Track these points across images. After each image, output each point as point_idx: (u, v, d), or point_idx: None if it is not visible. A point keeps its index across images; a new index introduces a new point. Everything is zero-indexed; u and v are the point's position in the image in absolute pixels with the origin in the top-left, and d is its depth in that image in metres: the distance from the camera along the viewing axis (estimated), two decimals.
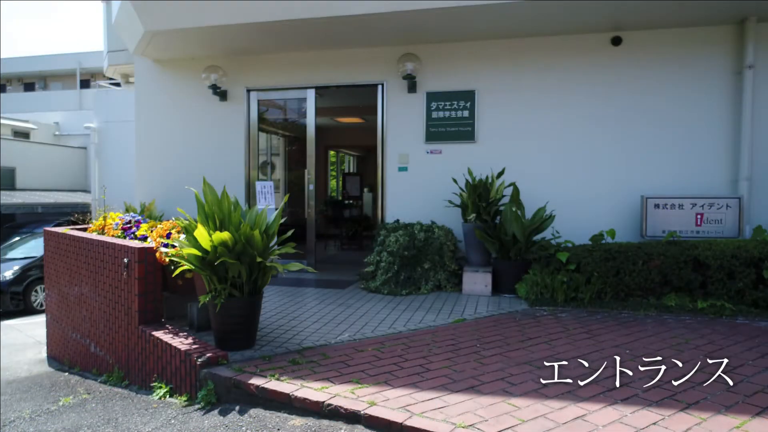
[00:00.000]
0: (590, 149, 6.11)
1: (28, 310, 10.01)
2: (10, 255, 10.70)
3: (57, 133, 18.42)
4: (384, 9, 5.49)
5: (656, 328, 4.23)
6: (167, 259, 3.94)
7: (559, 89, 6.17)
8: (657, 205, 5.67)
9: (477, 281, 5.59)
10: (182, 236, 3.82)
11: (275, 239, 3.85)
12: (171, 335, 3.79)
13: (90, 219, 8.40)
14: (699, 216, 5.57)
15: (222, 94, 7.08)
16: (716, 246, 4.88)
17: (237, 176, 7.23)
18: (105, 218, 5.74)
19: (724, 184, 5.77)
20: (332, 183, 13.97)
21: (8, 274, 9.89)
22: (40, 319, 8.13)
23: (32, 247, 10.83)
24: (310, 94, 7.07)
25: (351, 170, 14.77)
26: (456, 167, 6.36)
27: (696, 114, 5.84)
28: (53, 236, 5.80)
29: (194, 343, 3.61)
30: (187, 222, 3.66)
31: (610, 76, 6.05)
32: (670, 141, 5.90)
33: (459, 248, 6.15)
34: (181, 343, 3.62)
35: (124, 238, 5.00)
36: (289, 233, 4.00)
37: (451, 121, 6.47)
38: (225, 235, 3.37)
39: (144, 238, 4.73)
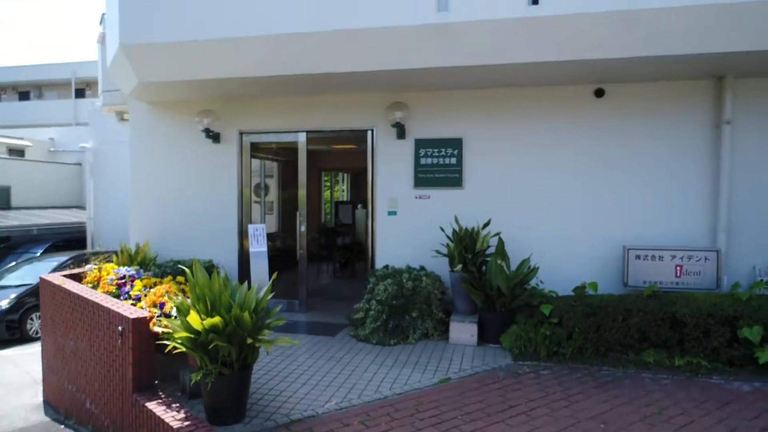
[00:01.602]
0: (574, 198, 6.27)
1: (24, 338, 10.10)
2: (6, 282, 10.78)
3: (52, 149, 18.51)
4: (371, 68, 5.64)
5: (633, 391, 4.39)
6: (161, 331, 4.08)
7: (545, 138, 6.33)
8: (638, 256, 5.83)
9: (463, 331, 5.75)
10: (174, 311, 3.96)
11: (265, 310, 3.99)
12: (164, 407, 3.93)
13: (87, 258, 8.52)
14: (678, 267, 5.74)
15: (215, 137, 7.21)
16: (693, 302, 5.05)
17: (230, 215, 7.36)
18: (100, 270, 5.88)
19: (704, 234, 5.94)
20: (327, 202, 14.09)
21: (4, 303, 9.97)
22: (36, 349, 8.26)
23: (28, 273, 10.91)
24: (302, 137, 7.21)
25: (345, 185, 14.89)
26: (444, 212, 6.52)
27: (676, 166, 6.01)
28: (50, 286, 5.92)
29: (186, 419, 3.74)
30: (179, 301, 3.80)
31: (594, 127, 6.21)
32: (652, 192, 6.06)
33: (447, 294, 6.30)
34: (173, 418, 3.75)
35: (118, 296, 5.13)
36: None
37: (439, 167, 6.62)
38: (216, 320, 3.51)
39: (138, 299, 4.87)
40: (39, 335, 7.95)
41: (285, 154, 8.61)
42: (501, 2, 5.00)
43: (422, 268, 6.46)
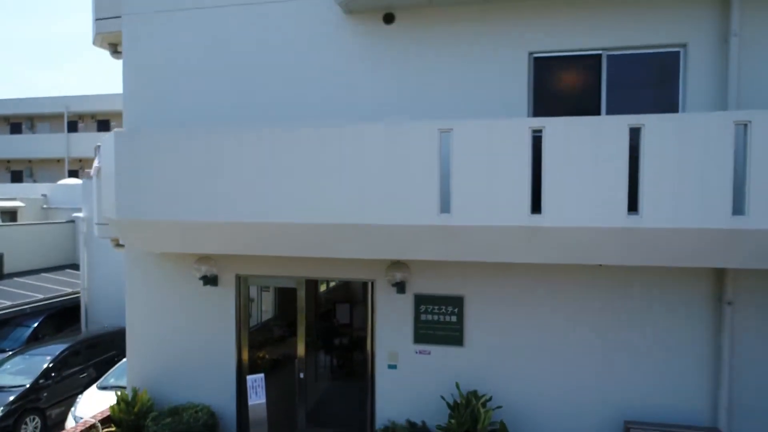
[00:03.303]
0: (577, 365, 6.24)
1: None
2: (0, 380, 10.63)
3: (45, 206, 18.33)
4: (373, 256, 5.61)
5: None
6: None
7: (547, 301, 6.30)
8: None
9: None
10: None
11: None
12: None
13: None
14: None
15: (213, 280, 7.13)
16: None
17: (228, 352, 7.28)
18: None
19: (705, 411, 5.93)
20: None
21: None
22: None
23: (22, 369, 10.77)
24: (301, 284, 7.16)
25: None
26: (445, 369, 6.51)
27: (678, 341, 5.98)
28: None
29: None
30: None
31: (595, 299, 6.17)
32: (654, 366, 6.04)
33: None
34: None
35: None
36: None
37: (439, 324, 6.58)
38: None
39: None
40: None
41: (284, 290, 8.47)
42: (502, 209, 4.97)
43: (423, 424, 6.43)
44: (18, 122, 32.47)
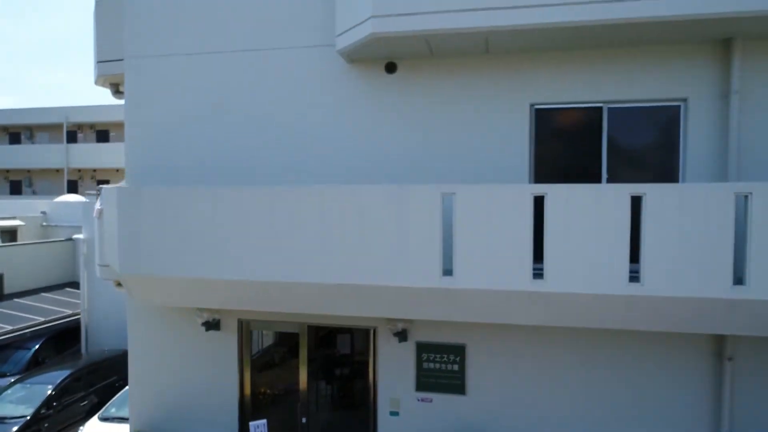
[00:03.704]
0: (584, 424, 6.27)
1: None
2: (1, 410, 10.62)
3: (44, 223, 18.35)
4: (375, 314, 5.64)
5: None
6: None
7: (548, 355, 6.32)
8: None
9: None
10: None
11: None
12: None
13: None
14: None
15: (215, 325, 7.15)
16: None
17: (231, 399, 7.31)
18: None
19: None
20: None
21: None
22: None
23: (22, 399, 10.77)
24: (303, 330, 7.19)
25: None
26: (447, 417, 6.53)
27: (678, 406, 6.03)
28: None
29: None
30: None
31: (593, 358, 6.19)
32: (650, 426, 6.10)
33: None
34: None
35: None
36: None
37: (441, 373, 6.60)
38: None
39: None
40: None
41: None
42: (504, 273, 5.00)
43: None
44: (17, 132, 32.49)
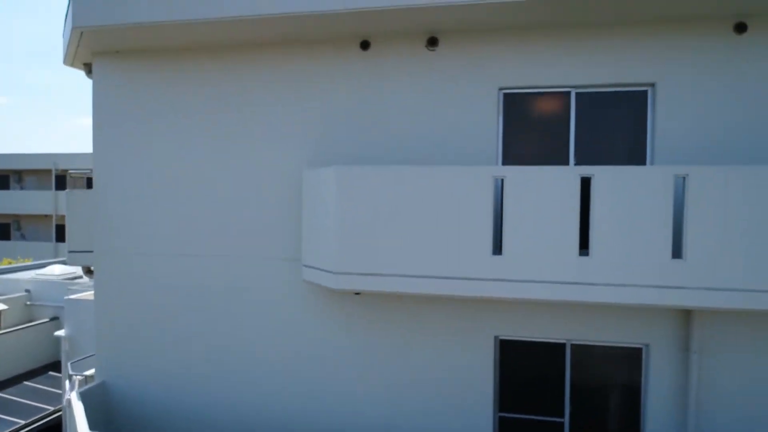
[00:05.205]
0: None
1: None
2: None
3: (28, 302, 18.22)
4: None
5: None
6: None
7: None
8: None
9: None
10: None
11: None
12: None
13: None
14: None
15: None
16: None
17: None
18: None
19: None
20: None
21: None
22: None
23: None
24: None
25: None
26: None
27: None
28: None
29: None
30: None
31: None
32: None
33: None
34: None
35: None
36: None
37: None
38: None
39: None
40: None
41: None
42: None
43: None
44: (6, 175, 32.35)
